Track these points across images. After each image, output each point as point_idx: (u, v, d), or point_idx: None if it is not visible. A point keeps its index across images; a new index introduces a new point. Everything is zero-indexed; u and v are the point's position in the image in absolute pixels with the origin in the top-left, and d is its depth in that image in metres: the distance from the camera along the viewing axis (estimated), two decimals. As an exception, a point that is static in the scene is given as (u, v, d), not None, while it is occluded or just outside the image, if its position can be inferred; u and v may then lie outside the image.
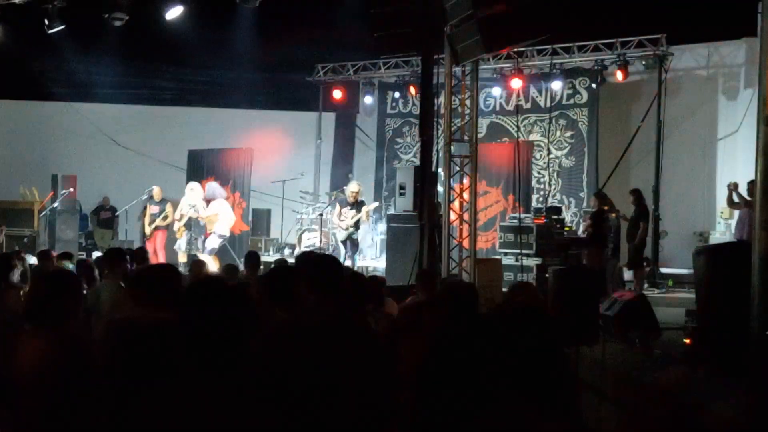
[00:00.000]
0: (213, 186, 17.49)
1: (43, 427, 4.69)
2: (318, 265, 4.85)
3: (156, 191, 18.25)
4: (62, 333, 4.90)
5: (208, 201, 17.10)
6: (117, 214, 20.43)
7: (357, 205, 16.52)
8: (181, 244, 17.42)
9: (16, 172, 20.75)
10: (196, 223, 17.41)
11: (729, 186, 14.99)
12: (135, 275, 5.09)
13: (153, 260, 14.94)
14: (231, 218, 17.19)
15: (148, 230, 18.12)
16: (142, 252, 12.43)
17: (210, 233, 17.00)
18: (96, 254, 16.10)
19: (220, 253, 17.22)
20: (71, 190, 18.32)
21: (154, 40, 18.97)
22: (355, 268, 15.15)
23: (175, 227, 17.52)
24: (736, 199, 14.84)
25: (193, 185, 17.47)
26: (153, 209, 18.17)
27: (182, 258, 17.21)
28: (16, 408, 4.53)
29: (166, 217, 18.02)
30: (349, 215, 16.46)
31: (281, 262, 10.72)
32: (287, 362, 2.98)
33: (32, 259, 12.63)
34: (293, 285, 4.98)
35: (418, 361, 4.83)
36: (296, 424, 2.91)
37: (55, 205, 18.89)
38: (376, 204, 17.94)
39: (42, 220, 19.03)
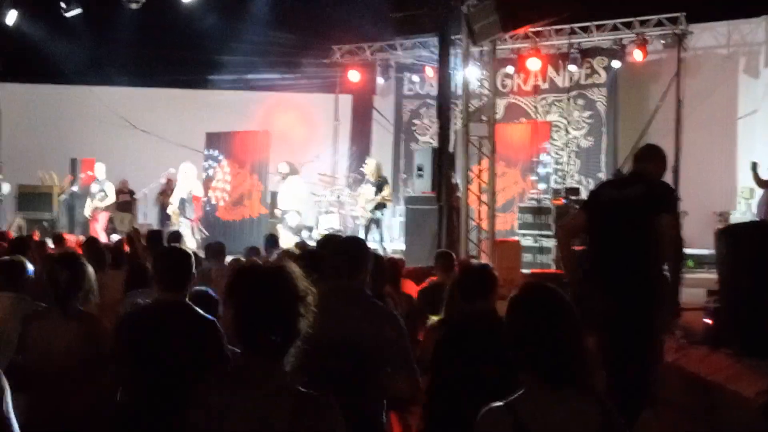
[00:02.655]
0: (291, 164, 17.64)
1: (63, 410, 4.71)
2: (337, 248, 4.83)
3: (97, 168, 18.14)
4: (80, 317, 4.91)
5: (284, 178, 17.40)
6: (135, 197, 20.48)
7: (379, 182, 16.31)
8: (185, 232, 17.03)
9: (35, 156, 20.81)
10: (189, 205, 17.31)
11: (754, 165, 14.74)
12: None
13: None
14: (305, 195, 17.70)
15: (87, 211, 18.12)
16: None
17: (287, 210, 17.44)
18: (115, 237, 16.14)
19: (246, 235, 17.41)
20: (90, 173, 18.33)
21: (170, 22, 18.97)
22: (380, 251, 15.12)
23: (169, 210, 17.44)
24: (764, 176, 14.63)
25: (184, 166, 17.39)
26: (93, 188, 18.01)
27: (191, 244, 17.08)
28: (32, 393, 4.55)
29: (104, 198, 17.87)
30: (371, 193, 16.27)
31: (302, 245, 10.72)
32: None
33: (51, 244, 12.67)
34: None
35: (436, 343, 4.83)
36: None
37: (74, 188, 18.94)
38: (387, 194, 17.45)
39: (61, 204, 19.11)
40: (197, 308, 4.52)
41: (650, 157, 5.94)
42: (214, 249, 10.51)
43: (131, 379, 4.43)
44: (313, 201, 19.74)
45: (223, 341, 4.36)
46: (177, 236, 12.17)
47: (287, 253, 6.94)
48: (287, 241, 14.71)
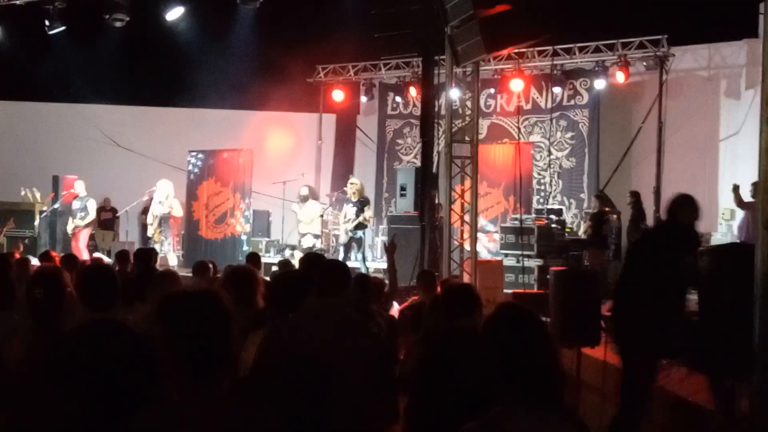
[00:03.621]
0: (311, 188, 17.63)
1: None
2: (325, 270, 4.85)
3: (78, 185, 17.96)
4: (54, 330, 4.86)
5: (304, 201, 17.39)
6: (118, 215, 20.40)
7: (360, 202, 16.28)
8: (164, 250, 16.88)
9: (17, 173, 20.70)
10: (166, 223, 17.23)
11: (735, 187, 14.78)
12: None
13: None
14: (319, 219, 17.65)
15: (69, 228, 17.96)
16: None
17: (304, 234, 17.41)
18: (97, 255, 16.07)
19: (229, 253, 17.40)
20: (72, 191, 18.25)
21: (154, 41, 18.97)
22: (362, 270, 15.10)
23: (149, 233, 17.35)
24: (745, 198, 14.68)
25: (161, 183, 17.32)
26: (74, 205, 17.85)
27: (172, 262, 17.03)
28: (13, 409, 4.50)
29: (85, 216, 17.71)
30: (351, 214, 16.23)
31: (286, 264, 10.71)
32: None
33: (34, 261, 12.58)
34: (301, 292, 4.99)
35: (416, 362, 4.83)
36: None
37: (56, 206, 18.86)
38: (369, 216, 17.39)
39: (43, 221, 19.02)
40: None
41: None
42: (198, 267, 10.53)
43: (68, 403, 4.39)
44: (296, 220, 19.75)
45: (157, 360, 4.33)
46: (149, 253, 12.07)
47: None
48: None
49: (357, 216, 15.86)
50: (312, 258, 6.79)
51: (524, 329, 3.05)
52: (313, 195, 18.01)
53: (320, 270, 4.87)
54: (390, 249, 8.32)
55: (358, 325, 5.06)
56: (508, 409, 2.95)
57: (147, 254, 10.71)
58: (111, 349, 2.51)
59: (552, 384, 2.98)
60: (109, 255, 16.83)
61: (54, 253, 12.02)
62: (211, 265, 10.77)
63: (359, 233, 16.00)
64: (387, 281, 8.85)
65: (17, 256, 12.04)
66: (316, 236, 17.40)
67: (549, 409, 2.95)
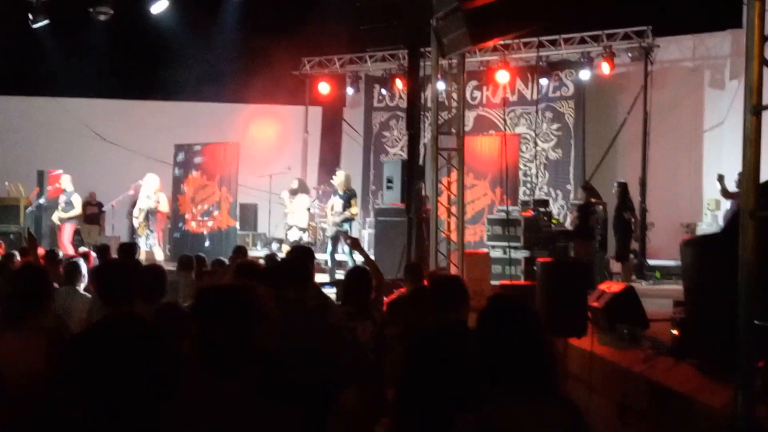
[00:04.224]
0: (302, 182, 17.55)
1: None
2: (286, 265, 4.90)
3: (64, 180, 17.87)
4: (41, 329, 4.84)
5: (294, 194, 17.30)
6: (103, 209, 20.34)
7: (347, 194, 16.21)
8: (142, 244, 16.54)
9: (2, 168, 20.62)
10: (153, 218, 17.17)
11: (720, 177, 14.81)
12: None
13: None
14: (306, 213, 17.45)
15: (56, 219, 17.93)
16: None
17: (290, 226, 17.36)
18: (83, 249, 16.03)
19: (215, 247, 17.40)
20: (57, 185, 18.17)
21: (139, 34, 18.91)
22: (350, 263, 15.10)
23: (135, 224, 17.31)
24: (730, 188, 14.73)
25: (148, 176, 17.24)
26: (60, 199, 17.77)
27: (159, 256, 16.96)
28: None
29: (69, 209, 17.58)
30: (339, 206, 16.18)
31: (271, 257, 10.74)
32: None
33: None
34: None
35: (401, 355, 4.83)
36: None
37: (41, 201, 18.79)
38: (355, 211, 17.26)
39: (28, 216, 18.95)
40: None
41: None
42: (182, 262, 10.55)
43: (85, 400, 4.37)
44: (284, 211, 19.75)
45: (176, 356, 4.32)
46: (132, 247, 12.03)
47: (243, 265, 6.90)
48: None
49: (344, 210, 15.84)
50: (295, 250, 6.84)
51: (518, 320, 3.06)
52: (303, 189, 17.97)
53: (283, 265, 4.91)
54: (353, 244, 8.27)
55: (327, 318, 5.08)
56: (504, 400, 2.96)
57: (131, 248, 10.71)
58: (132, 345, 2.50)
59: (547, 374, 3.00)
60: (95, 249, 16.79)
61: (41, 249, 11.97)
62: (197, 260, 10.79)
63: (345, 226, 15.98)
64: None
65: (1, 251, 12.02)
66: (302, 229, 17.35)
67: (544, 399, 2.96)
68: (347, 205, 15.85)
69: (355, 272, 6.93)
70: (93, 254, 11.68)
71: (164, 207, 17.28)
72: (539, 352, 3.00)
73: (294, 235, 17.27)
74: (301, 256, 5.95)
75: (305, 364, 3.42)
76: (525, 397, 2.94)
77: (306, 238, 17.81)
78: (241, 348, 2.86)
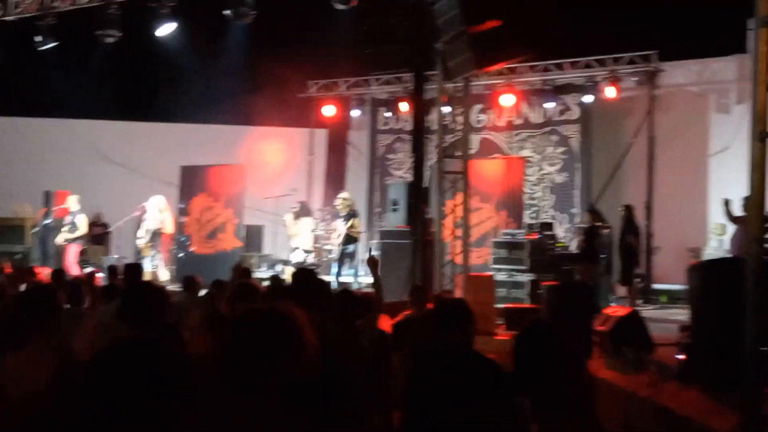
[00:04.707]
0: (305, 205, 17.50)
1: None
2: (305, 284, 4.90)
3: (71, 200, 18.00)
4: (50, 349, 4.84)
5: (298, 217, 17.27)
6: (110, 230, 20.36)
7: (348, 215, 16.17)
8: (147, 264, 16.68)
9: (9, 188, 20.68)
10: (158, 239, 17.13)
11: (726, 202, 14.75)
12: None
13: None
14: (310, 236, 17.39)
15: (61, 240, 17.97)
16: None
17: (295, 248, 17.34)
18: (88, 269, 16.03)
19: (220, 268, 17.28)
20: (63, 206, 18.21)
21: (146, 56, 18.97)
22: (354, 285, 15.10)
23: (140, 244, 17.26)
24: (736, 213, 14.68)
25: (153, 198, 17.23)
26: (66, 219, 17.87)
27: (163, 277, 16.94)
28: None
29: (74, 230, 17.69)
30: (343, 228, 16.17)
31: (276, 279, 10.73)
32: None
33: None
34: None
35: (405, 377, 4.83)
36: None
37: (48, 221, 18.83)
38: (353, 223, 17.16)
39: (34, 236, 18.98)
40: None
41: None
42: (187, 283, 10.53)
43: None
44: (287, 234, 19.78)
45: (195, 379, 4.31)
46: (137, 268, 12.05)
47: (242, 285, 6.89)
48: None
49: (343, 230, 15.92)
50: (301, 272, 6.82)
51: (554, 346, 3.12)
52: (306, 212, 17.96)
53: (306, 287, 4.91)
54: (371, 262, 8.25)
55: (345, 339, 5.08)
56: (552, 423, 2.99)
57: (136, 269, 10.71)
58: (141, 371, 2.50)
59: (587, 396, 3.05)
60: (101, 270, 16.81)
61: (38, 269, 12.01)
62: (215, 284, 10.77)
63: (350, 247, 15.97)
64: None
65: (8, 271, 12.04)
66: (307, 251, 17.34)
67: (585, 420, 3.01)
68: (349, 225, 15.89)
69: (342, 295, 6.85)
70: (99, 275, 11.71)
71: (169, 228, 17.30)
72: (574, 376, 3.06)
73: (298, 257, 17.26)
74: (315, 277, 5.98)
75: (332, 385, 3.41)
76: (570, 419, 2.98)
77: (311, 259, 17.82)
78: (269, 370, 2.86)
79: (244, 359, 2.87)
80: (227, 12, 15.40)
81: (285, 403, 2.94)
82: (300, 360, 2.90)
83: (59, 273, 11.26)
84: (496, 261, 15.63)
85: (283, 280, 10.34)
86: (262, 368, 2.85)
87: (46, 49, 17.09)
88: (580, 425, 3.00)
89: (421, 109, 13.57)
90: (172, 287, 12.91)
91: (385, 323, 8.43)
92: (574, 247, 16.70)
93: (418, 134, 13.41)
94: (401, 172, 21.95)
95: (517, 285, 14.75)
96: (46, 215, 18.96)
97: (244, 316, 3.02)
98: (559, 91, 19.83)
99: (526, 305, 13.58)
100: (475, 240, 17.24)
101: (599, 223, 15.68)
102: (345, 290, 7.33)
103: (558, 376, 3.03)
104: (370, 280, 16.83)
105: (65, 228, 17.56)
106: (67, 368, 4.73)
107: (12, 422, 4.55)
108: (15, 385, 4.65)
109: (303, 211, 17.95)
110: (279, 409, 2.87)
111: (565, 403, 3.01)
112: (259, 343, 2.88)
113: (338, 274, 16.13)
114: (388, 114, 22.29)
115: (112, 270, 11.74)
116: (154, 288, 4.96)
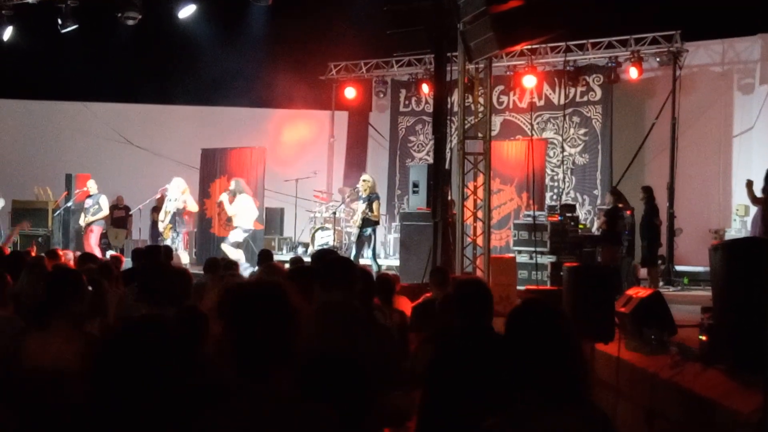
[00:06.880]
0: (240, 182, 17.26)
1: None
2: (329, 265, 4.89)
3: (90, 183, 18.03)
4: (70, 332, 4.86)
5: (233, 196, 16.94)
6: (131, 213, 20.45)
7: (369, 198, 16.13)
8: (175, 247, 16.47)
9: (30, 172, 20.82)
10: (180, 219, 17.11)
11: (749, 183, 14.64)
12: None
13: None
14: (254, 213, 17.07)
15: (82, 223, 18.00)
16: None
17: (235, 227, 16.90)
18: (110, 253, 16.10)
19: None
20: (85, 189, 18.29)
21: (167, 38, 19.01)
22: (373, 267, 15.07)
23: (160, 228, 17.31)
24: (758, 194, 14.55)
25: (175, 180, 17.21)
26: (87, 202, 17.89)
27: (185, 259, 16.95)
28: (19, 407, 4.48)
29: (97, 211, 17.75)
30: (360, 210, 16.11)
31: (297, 260, 10.73)
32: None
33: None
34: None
35: (428, 360, 4.82)
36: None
37: (69, 204, 18.93)
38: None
39: (56, 219, 19.09)
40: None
41: None
42: (209, 264, 10.56)
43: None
44: (309, 217, 19.79)
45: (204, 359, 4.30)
46: (168, 251, 12.10)
47: (271, 266, 6.90)
48: (230, 256, 14.61)
49: (365, 211, 15.82)
50: (323, 253, 6.82)
51: (549, 324, 3.02)
52: (241, 189, 17.46)
53: (326, 265, 4.90)
54: None
55: (373, 321, 5.07)
56: (531, 406, 2.93)
57: (156, 251, 10.74)
58: (151, 348, 2.49)
59: (577, 379, 2.96)
60: (122, 252, 16.87)
61: (61, 252, 12.06)
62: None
63: (368, 230, 15.90)
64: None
65: (33, 254, 12.10)
66: (246, 230, 16.92)
67: (573, 405, 2.93)
68: (369, 208, 15.80)
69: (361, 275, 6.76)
70: (124, 258, 11.77)
71: (193, 207, 17.31)
72: (570, 357, 2.96)
73: (236, 237, 16.75)
74: (342, 257, 5.98)
75: (347, 364, 3.39)
76: (554, 403, 2.91)
77: (331, 242, 17.81)
78: (275, 348, 2.83)
79: (242, 338, 2.84)
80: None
81: (299, 383, 2.93)
82: (291, 331, 2.87)
83: (85, 256, 11.31)
84: (517, 243, 15.60)
85: (305, 262, 10.31)
86: (260, 345, 2.82)
87: (68, 31, 17.13)
88: (562, 413, 2.91)
89: (443, 90, 13.50)
90: (194, 270, 12.92)
91: (406, 305, 8.44)
92: (595, 228, 16.64)
93: (440, 116, 13.34)
94: (422, 154, 21.92)
95: (538, 267, 14.71)
96: (68, 198, 19.05)
97: (233, 294, 2.98)
98: (581, 72, 19.71)
99: (547, 287, 13.53)
100: (496, 222, 17.21)
101: (621, 205, 15.59)
102: (362, 271, 7.30)
103: (545, 358, 2.94)
104: (390, 263, 16.86)
105: (90, 210, 17.63)
106: (92, 349, 4.73)
107: (37, 400, 4.58)
108: (41, 364, 4.68)
109: (238, 187, 17.46)
110: (286, 390, 2.86)
111: (550, 387, 2.93)
112: (254, 318, 2.84)
113: (356, 257, 16.10)
114: (409, 96, 22.25)
115: (136, 253, 11.77)
116: (172, 269, 4.96)
